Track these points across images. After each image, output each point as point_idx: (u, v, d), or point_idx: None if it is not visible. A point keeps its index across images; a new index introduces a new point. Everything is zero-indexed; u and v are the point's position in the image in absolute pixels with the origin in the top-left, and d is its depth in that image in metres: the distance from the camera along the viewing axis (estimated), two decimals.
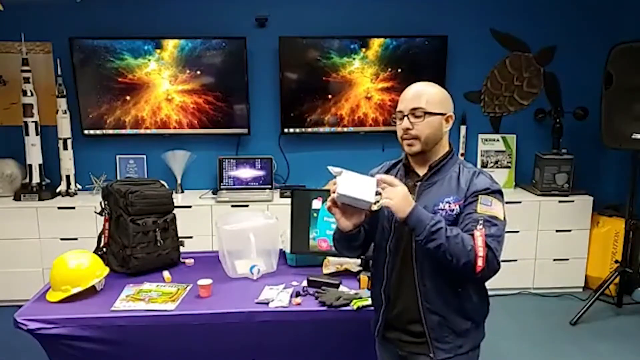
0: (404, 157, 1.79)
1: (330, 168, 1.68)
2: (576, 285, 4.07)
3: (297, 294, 2.20)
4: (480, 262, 1.51)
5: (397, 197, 1.55)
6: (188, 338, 2.09)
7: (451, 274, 1.62)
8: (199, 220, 3.72)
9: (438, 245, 1.52)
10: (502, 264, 1.59)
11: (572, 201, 3.95)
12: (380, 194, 1.63)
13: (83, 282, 2.19)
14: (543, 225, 3.94)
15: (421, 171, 1.73)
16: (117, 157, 4.07)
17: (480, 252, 1.51)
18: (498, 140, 4.21)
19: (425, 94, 1.68)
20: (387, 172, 1.83)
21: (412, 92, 1.69)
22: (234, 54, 3.90)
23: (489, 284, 1.72)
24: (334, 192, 1.60)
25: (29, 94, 3.72)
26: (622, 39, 3.45)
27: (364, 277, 2.24)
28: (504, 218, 1.62)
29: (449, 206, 1.63)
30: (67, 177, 3.87)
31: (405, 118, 1.67)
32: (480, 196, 1.61)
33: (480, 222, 1.56)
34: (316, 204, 2.47)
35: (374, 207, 1.60)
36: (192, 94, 3.94)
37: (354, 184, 1.59)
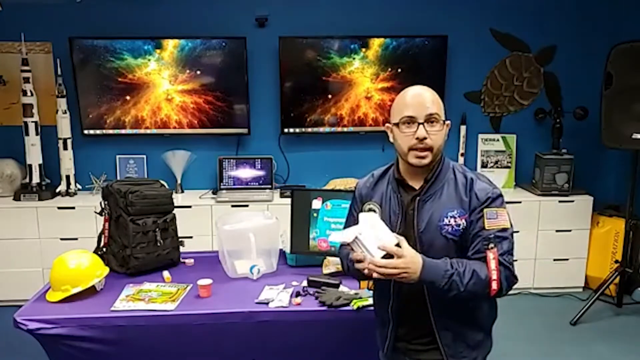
0: (395, 171, 1.67)
1: (338, 240, 1.60)
2: (576, 285, 4.07)
3: (297, 294, 2.20)
4: (494, 286, 1.51)
5: (408, 268, 1.47)
6: (188, 338, 2.09)
7: None
8: (199, 220, 3.72)
9: (455, 295, 1.50)
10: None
11: (572, 201, 3.95)
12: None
13: (83, 282, 2.19)
14: (543, 225, 3.94)
15: (415, 184, 1.64)
16: (117, 157, 4.07)
17: (494, 275, 1.50)
18: (498, 140, 4.21)
19: (434, 99, 1.58)
20: (376, 183, 1.73)
21: (422, 97, 1.57)
22: (234, 54, 3.90)
23: None
24: (364, 261, 1.50)
25: (29, 94, 3.72)
26: (622, 39, 3.45)
27: None
28: (511, 224, 1.58)
29: (455, 221, 1.57)
30: (67, 177, 3.87)
31: (421, 126, 1.54)
32: (485, 211, 1.56)
33: (492, 239, 1.53)
34: (316, 204, 2.47)
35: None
36: (192, 94, 3.94)
37: (375, 240, 1.50)
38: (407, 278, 1.48)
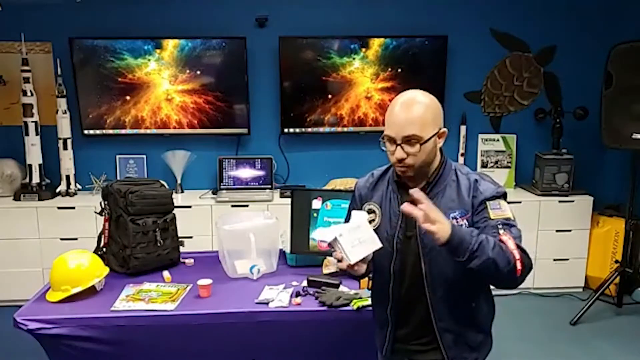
0: (395, 173, 1.66)
1: (318, 237, 1.61)
2: (576, 285, 4.07)
3: (297, 294, 2.20)
4: (519, 266, 1.46)
5: (438, 222, 1.40)
6: (188, 338, 2.09)
7: (465, 289, 1.59)
8: (199, 220, 3.72)
9: (481, 263, 1.42)
10: None
11: (572, 201, 3.95)
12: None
13: (83, 282, 2.19)
14: (543, 225, 3.94)
15: (415, 186, 1.59)
16: (117, 157, 4.07)
17: (517, 254, 1.47)
18: (498, 140, 4.21)
19: (418, 115, 1.51)
20: (376, 183, 1.72)
21: (404, 116, 1.51)
22: (234, 54, 3.90)
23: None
24: (342, 262, 1.52)
25: (29, 94, 3.72)
26: (622, 39, 3.45)
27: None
28: (514, 217, 1.57)
29: (457, 222, 1.54)
30: (67, 177, 3.87)
31: (399, 148, 1.52)
32: (487, 203, 1.55)
33: (500, 227, 1.51)
34: (316, 204, 2.47)
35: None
36: (192, 93, 3.94)
37: (356, 242, 1.50)
38: (439, 233, 1.39)
